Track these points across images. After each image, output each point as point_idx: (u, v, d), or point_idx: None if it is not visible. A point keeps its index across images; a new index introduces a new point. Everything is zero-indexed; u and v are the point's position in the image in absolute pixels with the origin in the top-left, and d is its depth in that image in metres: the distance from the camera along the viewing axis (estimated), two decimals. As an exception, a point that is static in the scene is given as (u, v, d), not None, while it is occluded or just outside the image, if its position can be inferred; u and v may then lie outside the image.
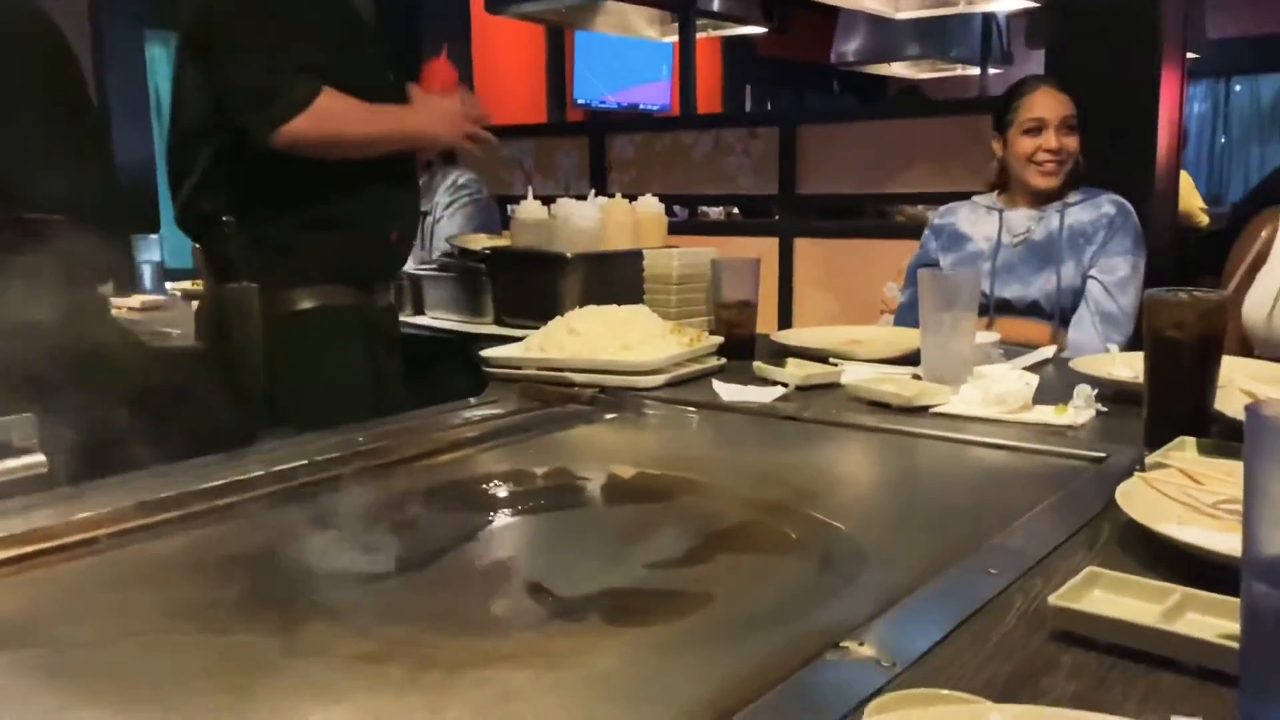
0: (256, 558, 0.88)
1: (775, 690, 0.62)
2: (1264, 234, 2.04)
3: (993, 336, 1.75)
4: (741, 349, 1.72)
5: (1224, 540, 0.76)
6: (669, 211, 4.67)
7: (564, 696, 0.65)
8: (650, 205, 2.22)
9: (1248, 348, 2.04)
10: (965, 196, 2.56)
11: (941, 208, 2.57)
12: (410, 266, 2.61)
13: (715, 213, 5.46)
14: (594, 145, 4.19)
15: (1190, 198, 4.68)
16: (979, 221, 2.45)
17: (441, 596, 0.83)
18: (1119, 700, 0.61)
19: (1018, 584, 0.77)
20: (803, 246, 3.69)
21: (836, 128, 3.63)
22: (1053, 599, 0.68)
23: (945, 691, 0.58)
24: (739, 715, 0.58)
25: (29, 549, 0.86)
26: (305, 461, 1.11)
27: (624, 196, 2.30)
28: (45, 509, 0.93)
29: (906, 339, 1.69)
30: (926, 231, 2.57)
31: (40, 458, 1.04)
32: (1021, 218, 2.37)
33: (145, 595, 0.81)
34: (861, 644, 0.67)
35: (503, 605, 0.81)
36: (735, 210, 5.20)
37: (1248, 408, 0.56)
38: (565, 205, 2.09)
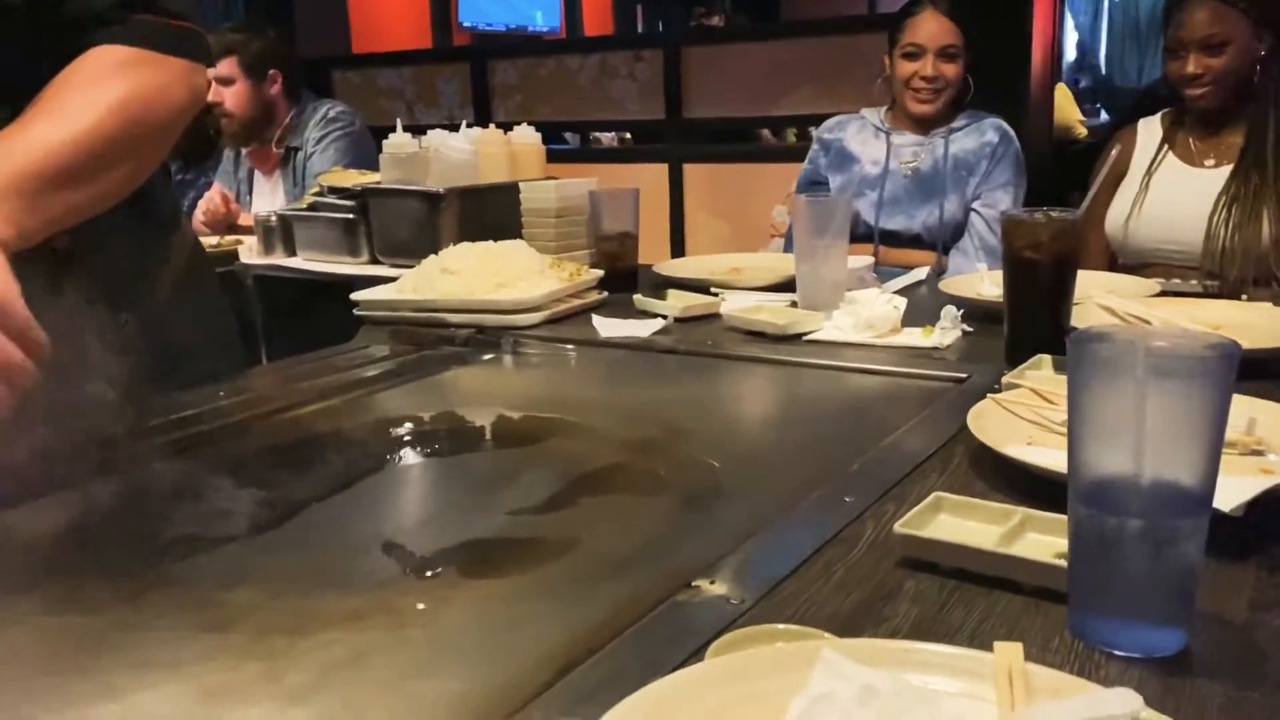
0: (98, 527, 0.84)
1: (623, 636, 0.61)
2: (1115, 151, 2.10)
3: (865, 260, 1.77)
4: (623, 282, 1.70)
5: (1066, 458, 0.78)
6: (559, 139, 4.57)
7: (410, 655, 0.64)
8: (527, 136, 2.16)
9: (1112, 259, 2.11)
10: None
11: (829, 120, 2.55)
12: (281, 207, 2.51)
13: (608, 139, 5.39)
14: (476, 71, 4.08)
15: (1069, 110, 4.78)
16: (867, 142, 2.44)
17: (291, 557, 0.80)
18: (958, 623, 0.62)
19: (871, 511, 0.78)
20: (693, 172, 3.67)
21: (721, 49, 3.59)
22: (897, 526, 0.69)
23: (783, 627, 0.58)
24: (583, 666, 0.58)
25: None
26: (159, 420, 1.07)
27: (504, 125, 2.24)
28: None
29: (786, 265, 1.69)
30: (815, 145, 2.55)
31: None
32: (909, 144, 2.37)
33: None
34: (713, 582, 0.67)
35: (355, 563, 0.78)
36: (628, 136, 5.14)
37: (1069, 337, 0.57)
38: (436, 137, 2.03)
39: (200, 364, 1.25)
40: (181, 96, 1.00)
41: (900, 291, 1.53)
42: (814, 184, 2.50)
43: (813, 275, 1.47)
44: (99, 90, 0.92)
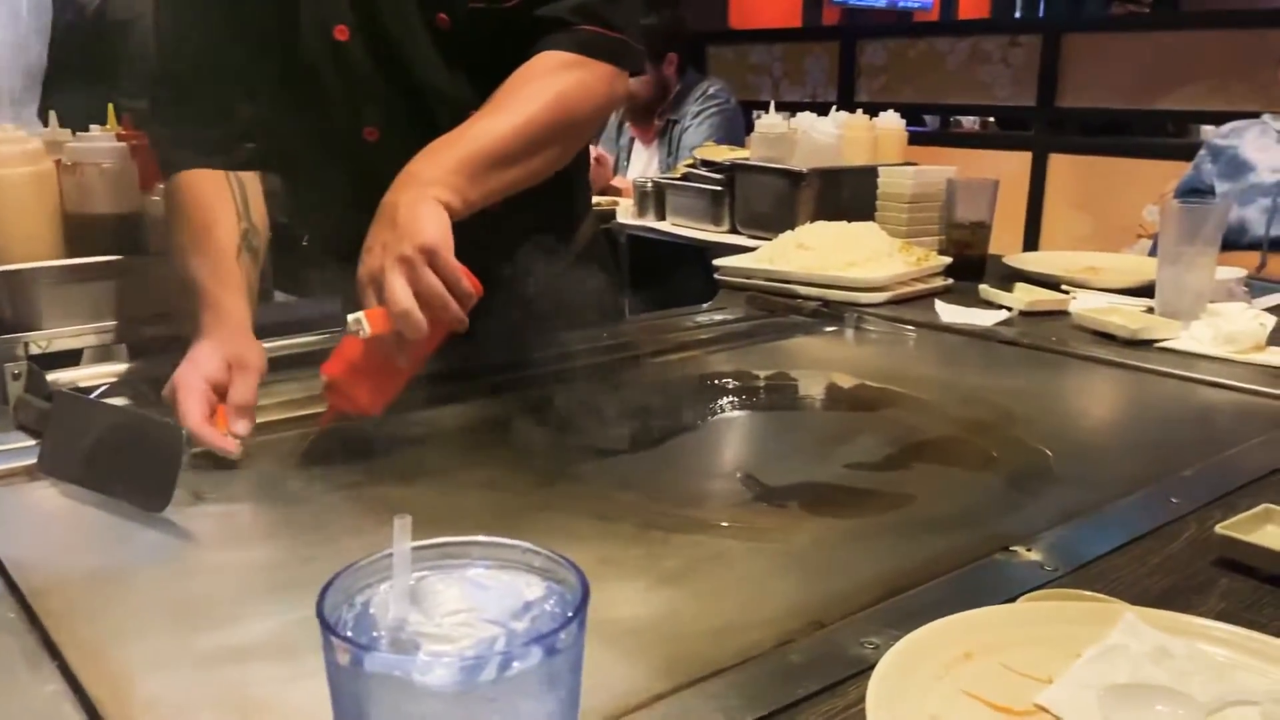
0: (522, 430, 1.05)
1: (941, 579, 0.71)
2: None
3: (1237, 272, 1.68)
4: (971, 270, 1.74)
5: None
6: (919, 121, 4.54)
7: (762, 563, 0.77)
8: (891, 121, 2.23)
9: None
10: (1246, 116, 2.39)
11: (1224, 126, 2.40)
12: (655, 174, 2.75)
13: (969, 123, 5.27)
14: (844, 51, 4.15)
15: None
16: (1268, 148, 2.27)
17: (666, 474, 0.97)
18: (1266, 620, 0.66)
19: (1195, 514, 0.81)
20: (1058, 163, 3.55)
21: (1107, 38, 3.43)
22: (1220, 528, 0.73)
23: (1090, 594, 0.65)
24: (906, 594, 0.69)
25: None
26: (559, 350, 1.28)
27: (868, 108, 2.32)
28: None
29: (1146, 269, 1.66)
30: (1202, 151, 2.41)
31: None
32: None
33: (429, 451, 1.00)
34: (1030, 549, 0.75)
35: (716, 485, 0.94)
36: (991, 120, 5.00)
37: None
38: (805, 120, 2.15)
39: (587, 312, 1.45)
40: (603, 97, 1.16)
41: (1275, 309, 1.46)
42: (1194, 192, 2.37)
43: (1175, 282, 1.44)
44: (539, 87, 1.09)
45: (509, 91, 1.09)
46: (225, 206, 1.08)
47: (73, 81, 1.96)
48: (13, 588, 0.68)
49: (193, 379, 0.91)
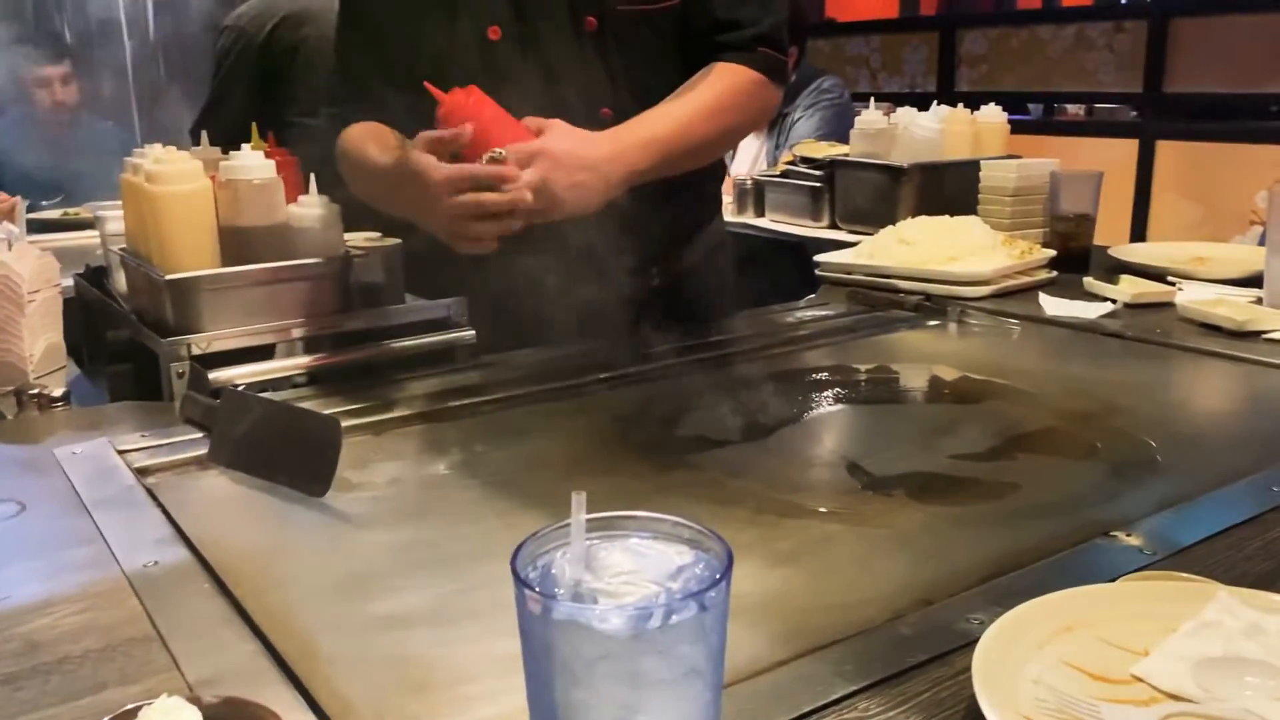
0: (638, 421, 1.12)
1: (1043, 562, 0.76)
2: None
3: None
4: (1075, 263, 1.75)
5: None
6: (1021, 109, 4.47)
7: (870, 547, 0.82)
8: (992, 115, 2.23)
9: None
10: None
11: None
12: (763, 163, 2.80)
13: (1074, 110, 5.16)
14: (944, 41, 4.11)
15: None
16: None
17: (775, 462, 1.02)
18: (1366, 606, 0.69)
19: (1299, 504, 0.84)
20: (1166, 149, 3.46)
21: (1216, 20, 3.34)
22: (1320, 515, 0.76)
23: (1186, 576, 0.69)
24: (1007, 576, 0.73)
25: (473, 399, 1.16)
26: (669, 346, 1.34)
27: (969, 98, 2.32)
28: (482, 370, 1.22)
29: (1255, 259, 1.64)
30: None
31: (470, 332, 1.33)
32: None
33: (556, 441, 1.07)
34: (1129, 535, 0.79)
35: (824, 474, 0.99)
36: (1099, 105, 4.88)
37: None
38: (905, 115, 2.17)
39: (707, 309, 1.53)
40: (759, 111, 1.35)
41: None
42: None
43: (1284, 273, 1.43)
44: (718, 89, 1.25)
45: (697, 86, 1.24)
46: (383, 130, 1.26)
47: (233, 106, 2.14)
48: (203, 562, 0.78)
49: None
